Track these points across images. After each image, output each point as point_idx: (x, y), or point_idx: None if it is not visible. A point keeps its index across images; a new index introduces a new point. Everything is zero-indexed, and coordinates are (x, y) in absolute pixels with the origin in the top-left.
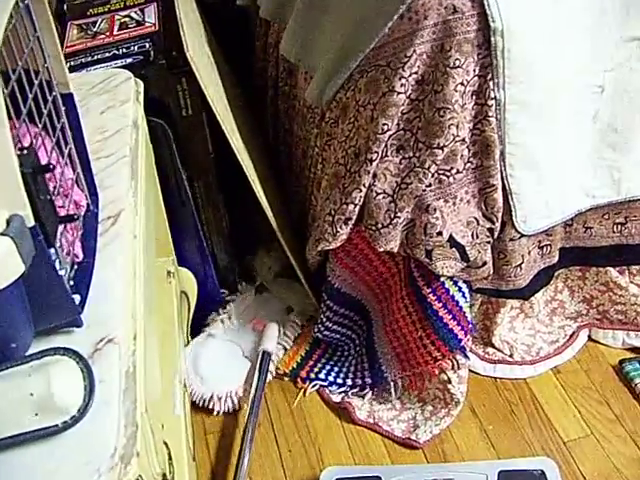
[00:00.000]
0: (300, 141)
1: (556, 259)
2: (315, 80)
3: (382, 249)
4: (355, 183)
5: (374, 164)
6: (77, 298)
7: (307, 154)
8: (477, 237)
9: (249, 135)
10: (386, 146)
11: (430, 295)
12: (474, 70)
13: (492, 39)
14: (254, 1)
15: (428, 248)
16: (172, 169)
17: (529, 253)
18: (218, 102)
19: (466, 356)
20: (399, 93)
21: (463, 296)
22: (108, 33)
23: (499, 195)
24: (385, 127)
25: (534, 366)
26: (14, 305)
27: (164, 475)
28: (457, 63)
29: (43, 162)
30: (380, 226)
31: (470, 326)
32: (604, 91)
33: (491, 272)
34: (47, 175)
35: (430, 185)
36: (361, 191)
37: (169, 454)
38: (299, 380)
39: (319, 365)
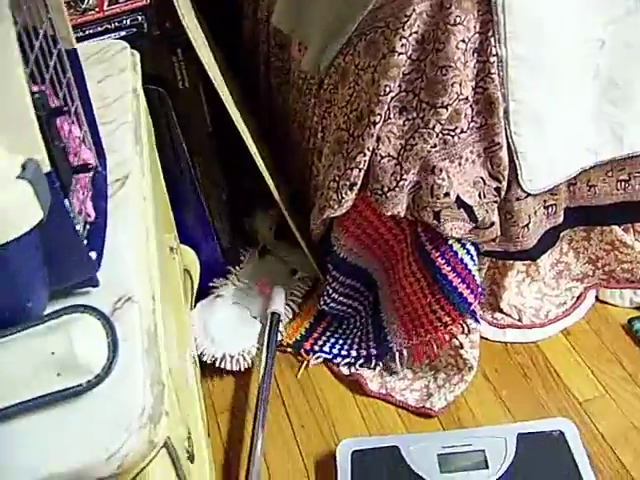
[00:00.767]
0: (296, 114)
1: (561, 219)
2: (311, 48)
3: (389, 213)
4: (359, 147)
5: (377, 127)
6: (93, 255)
7: (304, 126)
8: (484, 197)
9: (244, 113)
10: (389, 108)
11: (438, 259)
12: (475, 27)
13: None
14: None
15: (436, 210)
16: (171, 142)
17: (535, 213)
18: (215, 72)
19: (477, 320)
20: (400, 53)
21: (472, 259)
22: (98, 9)
23: (504, 153)
24: (387, 89)
25: (543, 329)
26: (30, 259)
27: (186, 449)
28: (457, 20)
29: None
30: (386, 189)
31: (480, 289)
32: (604, 45)
33: (499, 233)
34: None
35: (435, 146)
36: (365, 155)
37: (187, 428)
38: (303, 352)
39: (323, 338)
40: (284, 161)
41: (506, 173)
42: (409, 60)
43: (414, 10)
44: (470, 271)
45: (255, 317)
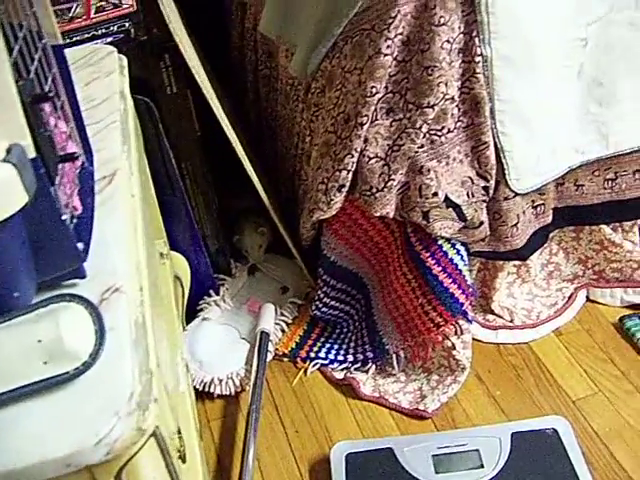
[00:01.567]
0: (284, 121)
1: (550, 219)
2: (298, 53)
3: (378, 214)
4: (347, 149)
5: (365, 128)
6: (80, 246)
7: (292, 132)
8: (473, 196)
9: (232, 122)
10: (376, 110)
11: (429, 259)
12: (459, 27)
13: None
14: None
15: (424, 210)
16: (159, 151)
17: (524, 213)
18: (203, 77)
19: (469, 320)
20: (385, 55)
21: (462, 259)
22: (85, 17)
23: (491, 153)
24: (374, 90)
25: (535, 329)
26: (16, 247)
27: (177, 448)
28: (442, 21)
29: None
30: (375, 190)
31: (471, 290)
32: (587, 44)
33: (488, 233)
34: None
35: (422, 146)
36: (353, 156)
37: (178, 429)
38: (299, 360)
39: (318, 344)
40: (274, 170)
41: (494, 172)
42: (395, 61)
43: (399, 12)
44: (461, 271)
45: (244, 338)
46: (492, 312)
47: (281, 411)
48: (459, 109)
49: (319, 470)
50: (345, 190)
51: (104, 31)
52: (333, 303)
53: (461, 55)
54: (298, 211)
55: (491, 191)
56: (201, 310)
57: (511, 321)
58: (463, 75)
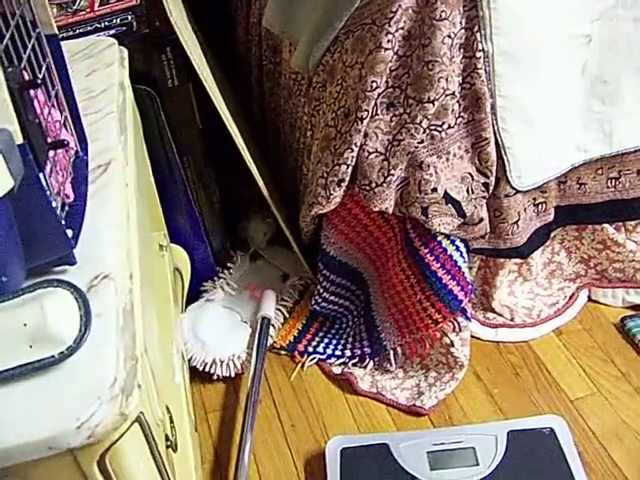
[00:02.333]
0: (288, 116)
1: (552, 217)
2: (300, 47)
3: (377, 209)
4: (346, 143)
5: (365, 122)
6: (70, 233)
7: (295, 126)
8: (472, 192)
9: (236, 116)
10: (376, 104)
11: (428, 255)
12: (461, 22)
13: None
14: None
15: (424, 205)
16: (161, 142)
17: (525, 210)
18: (204, 70)
19: (467, 317)
20: (386, 49)
21: (461, 256)
22: (89, 9)
23: (492, 149)
24: (374, 84)
25: (535, 328)
26: (3, 231)
27: (166, 435)
28: (443, 15)
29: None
30: (374, 185)
31: (470, 287)
32: (591, 41)
33: (488, 230)
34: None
35: (422, 141)
36: (353, 151)
37: (171, 418)
38: (297, 354)
39: (317, 338)
40: (278, 165)
41: (494, 169)
42: (396, 56)
43: (400, 6)
44: (460, 268)
45: (245, 321)
46: (492, 310)
47: (278, 405)
48: (460, 105)
49: (314, 464)
50: (345, 185)
51: (107, 24)
52: (332, 298)
53: (462, 50)
54: (299, 205)
55: (491, 188)
56: (205, 292)
57: (511, 319)
58: (464, 70)
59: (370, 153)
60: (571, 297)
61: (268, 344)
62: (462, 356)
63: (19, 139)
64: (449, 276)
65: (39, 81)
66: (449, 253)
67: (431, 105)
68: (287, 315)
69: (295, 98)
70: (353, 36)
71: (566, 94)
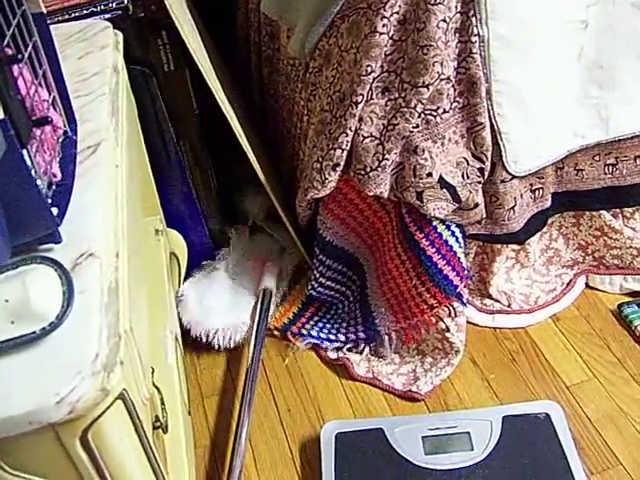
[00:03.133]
0: (285, 102)
1: (549, 203)
2: (297, 31)
3: (372, 193)
4: (341, 127)
5: (359, 107)
6: (55, 211)
7: (293, 112)
8: (468, 177)
9: (234, 101)
10: (371, 89)
11: (423, 240)
12: (456, 6)
13: None
14: None
15: (418, 190)
16: (157, 126)
17: (521, 196)
18: (200, 54)
19: (463, 303)
20: (381, 34)
21: (457, 241)
22: None
23: (487, 134)
24: (369, 69)
25: (532, 314)
26: None
27: (157, 416)
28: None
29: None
30: (369, 169)
31: (465, 272)
32: (588, 26)
33: (484, 215)
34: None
35: (417, 126)
36: (348, 135)
37: (162, 399)
38: (290, 335)
39: (311, 322)
40: (277, 151)
41: (489, 154)
42: (391, 40)
43: None
44: (455, 253)
45: (247, 293)
46: (489, 296)
47: (274, 390)
48: (455, 89)
49: (310, 449)
50: (340, 169)
51: (103, 7)
52: (329, 283)
53: (457, 35)
54: (297, 191)
55: (486, 173)
56: (207, 265)
57: (508, 306)
58: (459, 55)
59: (365, 137)
60: (568, 283)
61: (269, 316)
62: (458, 341)
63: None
64: (444, 261)
65: (19, 56)
66: (444, 238)
67: (426, 89)
68: (287, 288)
69: (293, 84)
70: (349, 21)
71: (562, 79)
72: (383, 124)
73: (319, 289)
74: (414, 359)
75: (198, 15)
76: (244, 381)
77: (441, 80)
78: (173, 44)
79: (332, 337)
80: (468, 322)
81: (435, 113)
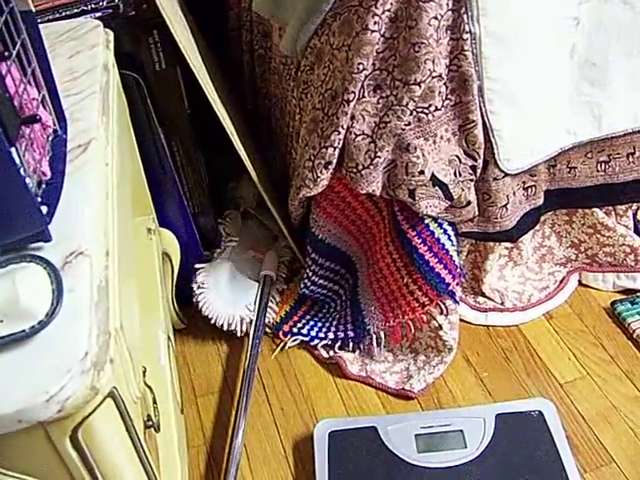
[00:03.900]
0: (278, 100)
1: (541, 201)
2: (289, 30)
3: (364, 191)
4: (333, 126)
5: (351, 105)
6: (44, 209)
7: (285, 110)
8: (460, 175)
9: (227, 100)
10: (363, 86)
11: (415, 238)
12: (447, 4)
13: None
14: None
15: (411, 188)
16: (148, 127)
17: (514, 194)
18: (191, 53)
19: (456, 301)
20: (373, 31)
21: (449, 239)
22: None
23: (479, 131)
24: (360, 66)
25: (526, 312)
26: None
27: (149, 415)
28: None
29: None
30: (361, 167)
31: (458, 270)
32: (579, 23)
33: (476, 213)
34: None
35: (409, 124)
36: (339, 133)
37: (154, 398)
38: (280, 334)
39: (303, 321)
40: (270, 150)
41: (481, 151)
42: (382, 38)
43: None
44: (448, 251)
45: (250, 280)
46: (482, 294)
47: (268, 389)
48: (447, 87)
49: (303, 447)
50: (332, 167)
51: (93, 6)
52: (322, 282)
53: (449, 32)
54: (289, 189)
55: (479, 170)
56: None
57: (501, 304)
58: (451, 52)
59: (357, 135)
60: (562, 281)
61: (269, 301)
62: (451, 340)
63: None
64: (436, 259)
65: (6, 54)
66: (437, 236)
67: (417, 87)
68: (287, 273)
69: (285, 82)
70: (340, 18)
71: (555, 77)
72: (375, 122)
73: (312, 287)
74: (407, 357)
75: (190, 14)
76: (240, 376)
77: (433, 78)
78: (164, 43)
79: (322, 335)
80: (461, 320)
81: (427, 111)
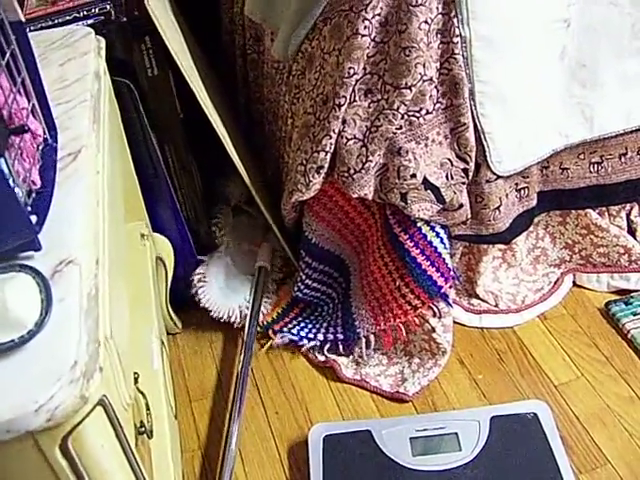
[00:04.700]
0: (271, 105)
1: (535, 202)
2: (280, 34)
3: (356, 195)
4: (325, 130)
5: (342, 109)
6: (34, 218)
7: (278, 115)
8: (452, 178)
9: (220, 105)
10: (354, 91)
11: (407, 242)
12: (437, 8)
13: None
14: None
15: (403, 191)
16: (141, 133)
17: (507, 196)
18: (183, 58)
19: (449, 303)
20: (363, 36)
21: (441, 242)
22: None
23: (471, 134)
24: (351, 71)
25: (520, 314)
26: None
27: (141, 422)
28: (419, 1)
29: None
30: (352, 172)
31: (451, 273)
32: (570, 25)
33: (469, 216)
34: None
35: (400, 127)
36: (331, 138)
37: (147, 404)
38: (270, 332)
39: (294, 322)
40: (263, 155)
41: (473, 154)
42: (373, 42)
43: None
44: (440, 254)
45: (246, 272)
46: (477, 296)
47: (262, 392)
48: (438, 90)
49: (298, 451)
50: (324, 172)
51: (85, 13)
52: (315, 285)
53: (439, 36)
54: (282, 193)
55: (471, 173)
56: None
57: (496, 305)
58: (442, 56)
59: (348, 140)
60: (556, 282)
61: (264, 292)
62: (445, 342)
63: None
64: (428, 262)
65: None
66: (429, 239)
67: (408, 91)
68: (281, 264)
69: (277, 87)
70: (331, 23)
71: (546, 79)
72: (366, 126)
73: (305, 290)
74: (401, 360)
75: (183, 19)
76: (235, 380)
77: (424, 81)
78: (156, 49)
79: (311, 335)
80: (455, 322)
81: (418, 114)
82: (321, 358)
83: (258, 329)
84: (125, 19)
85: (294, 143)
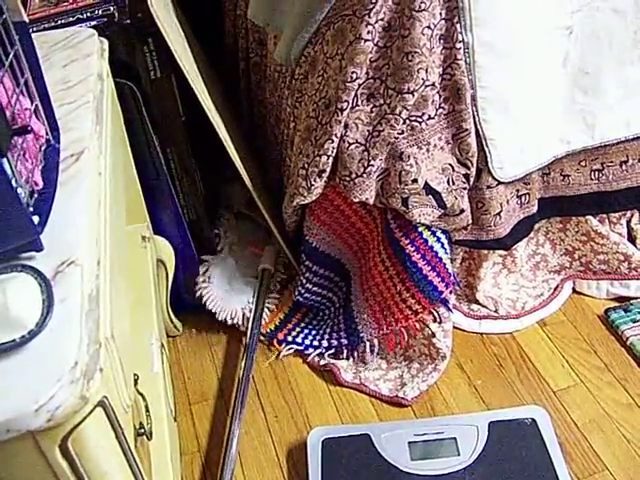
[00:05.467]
0: (273, 108)
1: (535, 209)
2: (283, 38)
3: (357, 199)
4: (327, 134)
5: (345, 113)
6: (36, 219)
7: (280, 118)
8: (453, 183)
9: (222, 108)
10: (356, 95)
11: (408, 246)
12: (440, 13)
13: None
14: None
15: (404, 196)
16: (143, 135)
17: (507, 202)
18: (186, 61)
19: (449, 308)
20: (366, 40)
21: (442, 247)
22: (71, 0)
23: (473, 140)
24: (354, 75)
25: (519, 319)
26: None
27: (141, 423)
28: (423, 6)
29: None
30: (354, 176)
31: (452, 278)
32: (572, 32)
33: (470, 221)
34: (0, 97)
35: (402, 132)
36: (333, 142)
37: (146, 406)
38: (275, 342)
39: (297, 329)
40: (264, 158)
41: (475, 160)
42: (376, 47)
43: None
44: (441, 259)
45: (250, 275)
46: (477, 302)
47: (262, 396)
48: (440, 96)
49: (297, 455)
50: (325, 175)
51: (89, 15)
52: (316, 289)
53: (442, 41)
54: (283, 196)
55: (472, 179)
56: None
57: (495, 311)
58: (444, 61)
59: (350, 144)
60: (555, 289)
61: (267, 294)
62: (444, 347)
63: None
64: (429, 267)
65: None
66: (430, 244)
67: (410, 96)
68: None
69: (280, 90)
70: (334, 27)
71: (548, 85)
72: (368, 130)
73: (306, 295)
74: (401, 365)
75: (186, 22)
76: (235, 384)
77: (426, 86)
78: (159, 51)
79: (316, 343)
80: (455, 327)
81: (420, 119)
82: (321, 362)
83: (262, 338)
84: (128, 21)
85: (296, 147)
